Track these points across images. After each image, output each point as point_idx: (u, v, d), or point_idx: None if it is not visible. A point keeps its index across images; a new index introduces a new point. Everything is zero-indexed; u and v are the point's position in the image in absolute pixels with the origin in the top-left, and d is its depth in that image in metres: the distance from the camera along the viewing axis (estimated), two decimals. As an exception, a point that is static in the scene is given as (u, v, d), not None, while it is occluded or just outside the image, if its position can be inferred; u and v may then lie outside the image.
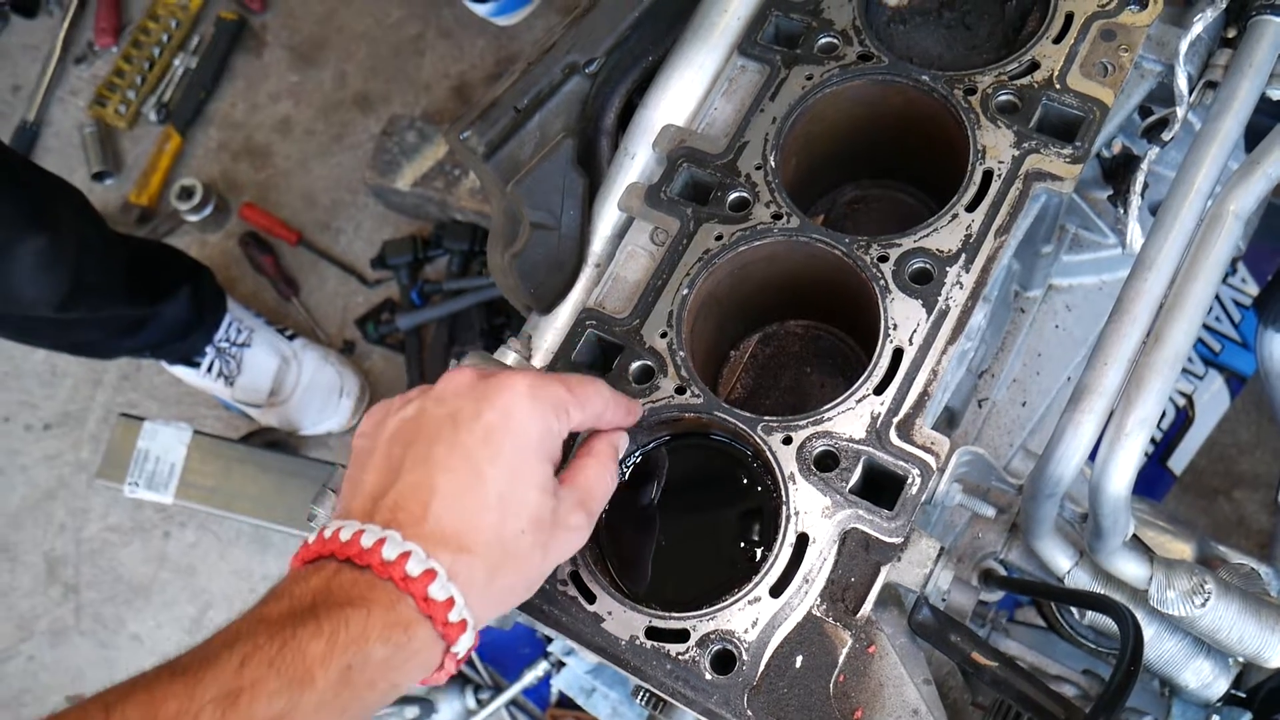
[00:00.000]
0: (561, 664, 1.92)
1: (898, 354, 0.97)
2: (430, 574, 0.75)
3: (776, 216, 1.06)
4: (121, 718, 0.64)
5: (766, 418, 0.97)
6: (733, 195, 1.08)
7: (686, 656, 0.89)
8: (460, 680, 2.37)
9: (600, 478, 0.90)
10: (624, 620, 0.92)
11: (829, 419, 0.96)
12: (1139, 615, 1.11)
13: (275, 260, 2.86)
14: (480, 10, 2.85)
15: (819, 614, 0.90)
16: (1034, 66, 1.06)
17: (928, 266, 1.00)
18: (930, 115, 1.09)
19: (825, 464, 0.95)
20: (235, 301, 2.63)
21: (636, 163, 1.16)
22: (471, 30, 2.99)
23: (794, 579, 0.91)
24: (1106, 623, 1.24)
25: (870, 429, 0.95)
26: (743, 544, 0.99)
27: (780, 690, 0.87)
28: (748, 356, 1.18)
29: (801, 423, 0.96)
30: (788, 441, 0.96)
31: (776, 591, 0.91)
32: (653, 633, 0.91)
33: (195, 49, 3.13)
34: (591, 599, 0.93)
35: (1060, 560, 1.15)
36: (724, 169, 1.09)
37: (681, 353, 1.01)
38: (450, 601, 0.76)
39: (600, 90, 1.19)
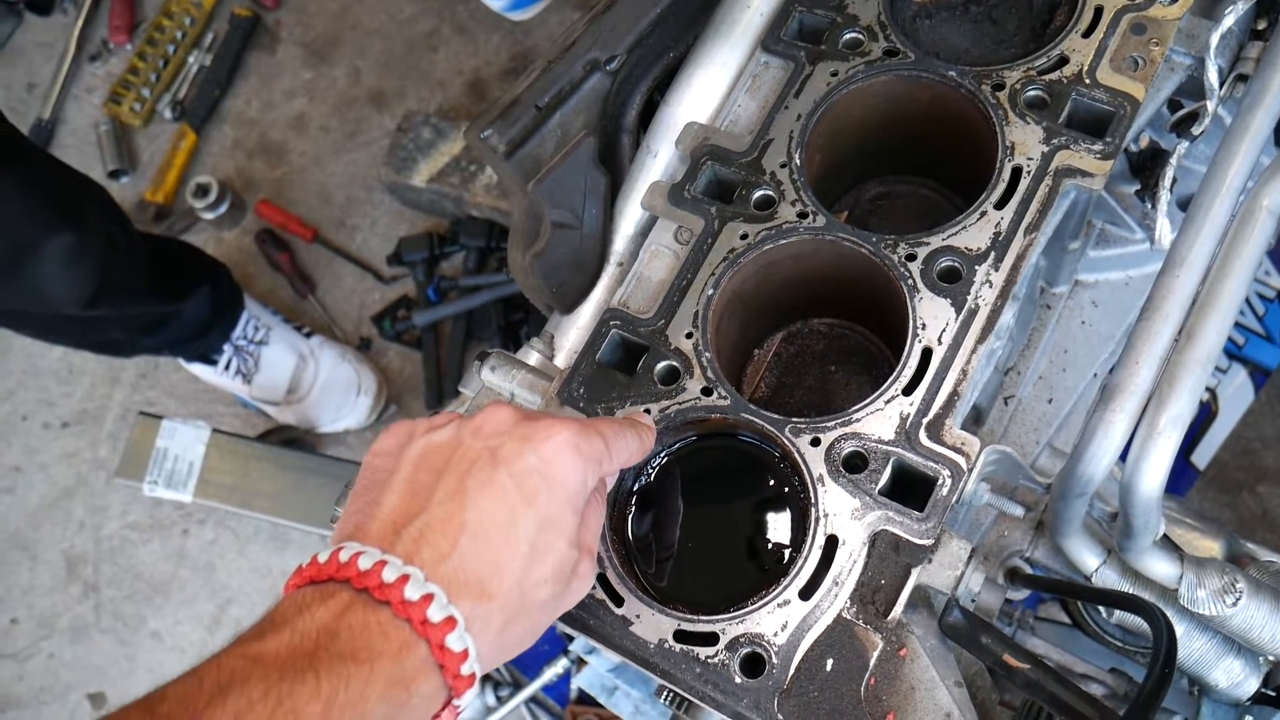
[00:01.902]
0: (582, 662, 1.92)
1: (926, 354, 0.96)
2: (451, 622, 0.72)
3: (802, 215, 1.05)
4: None
5: (794, 419, 0.96)
6: (758, 194, 1.07)
7: (716, 660, 0.89)
8: (481, 677, 2.37)
9: (597, 515, 0.88)
10: (652, 623, 0.91)
11: (858, 420, 0.95)
12: (1168, 613, 1.10)
13: (291, 257, 2.86)
14: (494, 5, 2.83)
15: (849, 616, 0.89)
16: (1063, 61, 1.05)
17: (957, 265, 0.99)
18: (957, 111, 1.08)
19: (854, 465, 0.94)
20: (252, 299, 2.63)
21: (659, 161, 1.15)
22: (486, 25, 2.98)
23: (824, 581, 0.90)
24: (1134, 621, 1.23)
25: (899, 430, 0.94)
26: (771, 545, 0.98)
27: (810, 694, 0.87)
28: (772, 355, 1.17)
29: (830, 424, 0.95)
30: (816, 443, 0.95)
31: (806, 594, 0.90)
32: (681, 635, 0.91)
33: (209, 46, 3.13)
34: (620, 602, 0.93)
35: (1088, 559, 1.14)
36: (748, 167, 1.08)
37: (707, 354, 1.01)
38: (465, 654, 0.72)
39: (622, 87, 1.18)
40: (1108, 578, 1.14)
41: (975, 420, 1.30)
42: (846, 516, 0.92)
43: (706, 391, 0.99)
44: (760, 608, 0.90)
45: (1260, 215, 1.00)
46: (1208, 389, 2.27)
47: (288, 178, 2.99)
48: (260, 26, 3.14)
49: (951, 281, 0.99)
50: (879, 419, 0.95)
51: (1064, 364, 1.34)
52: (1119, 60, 1.04)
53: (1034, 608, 1.55)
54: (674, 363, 1.01)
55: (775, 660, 0.88)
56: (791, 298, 1.13)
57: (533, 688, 2.18)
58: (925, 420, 0.94)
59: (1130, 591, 1.13)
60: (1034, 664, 0.90)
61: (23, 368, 2.89)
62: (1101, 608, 1.27)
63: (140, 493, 2.55)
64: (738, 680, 0.88)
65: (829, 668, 0.87)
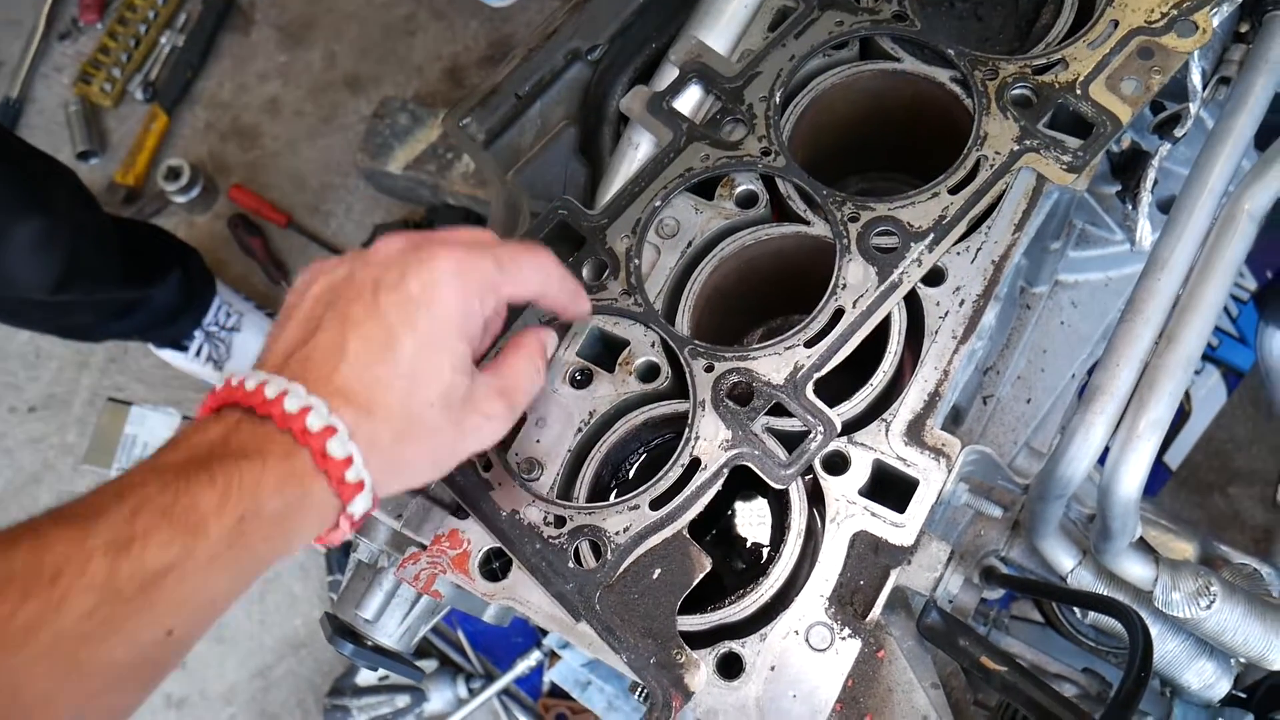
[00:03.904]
0: (556, 656, 1.91)
1: (838, 314, 0.97)
2: (330, 430, 0.74)
3: (765, 152, 1.05)
4: (7, 563, 0.63)
5: (696, 342, 0.98)
6: (729, 121, 1.07)
7: (557, 541, 0.92)
8: (452, 669, 2.35)
9: (525, 371, 0.89)
10: (511, 495, 0.94)
11: (754, 358, 0.97)
12: (1142, 615, 1.10)
13: (264, 243, 2.83)
14: (474, -9, 2.82)
15: (693, 543, 0.91)
16: (1062, 65, 1.04)
17: (893, 236, 0.99)
18: (940, 108, 1.07)
19: (739, 397, 0.96)
20: (224, 285, 2.60)
21: (640, 153, 1.14)
22: (464, 11, 2.95)
23: (676, 498, 0.92)
24: (1108, 621, 1.24)
25: (789, 378, 0.95)
26: (750, 544, 0.99)
27: (632, 595, 0.90)
28: (751, 351, 1.16)
29: (727, 355, 0.97)
30: (709, 369, 0.97)
31: (657, 505, 0.92)
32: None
33: (182, 27, 3.08)
34: (488, 467, 0.95)
35: (1064, 560, 1.14)
36: (730, 94, 1.08)
37: (636, 260, 1.02)
38: (349, 460, 0.75)
39: (603, 77, 1.16)
40: (1083, 578, 1.14)
41: (954, 420, 1.29)
42: (715, 444, 0.93)
43: (626, 294, 1.01)
44: (611, 506, 0.93)
45: (1241, 219, 1.00)
46: (1180, 389, 2.28)
47: (261, 162, 2.95)
48: (234, 7, 3.10)
49: (883, 252, 0.99)
50: (774, 362, 0.96)
51: (1043, 364, 1.34)
52: (1116, 78, 1.03)
53: (1007, 607, 1.55)
54: (604, 260, 1.02)
55: (610, 556, 0.91)
56: (773, 292, 1.12)
57: (505, 680, 2.17)
58: (909, 420, 0.93)
59: (1105, 593, 1.13)
60: (1011, 667, 0.89)
61: (-12, 351, 2.84)
62: (1076, 608, 1.28)
63: (108, 479, 2.51)
64: (570, 565, 0.91)
65: (655, 576, 0.90)
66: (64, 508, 0.68)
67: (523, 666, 2.17)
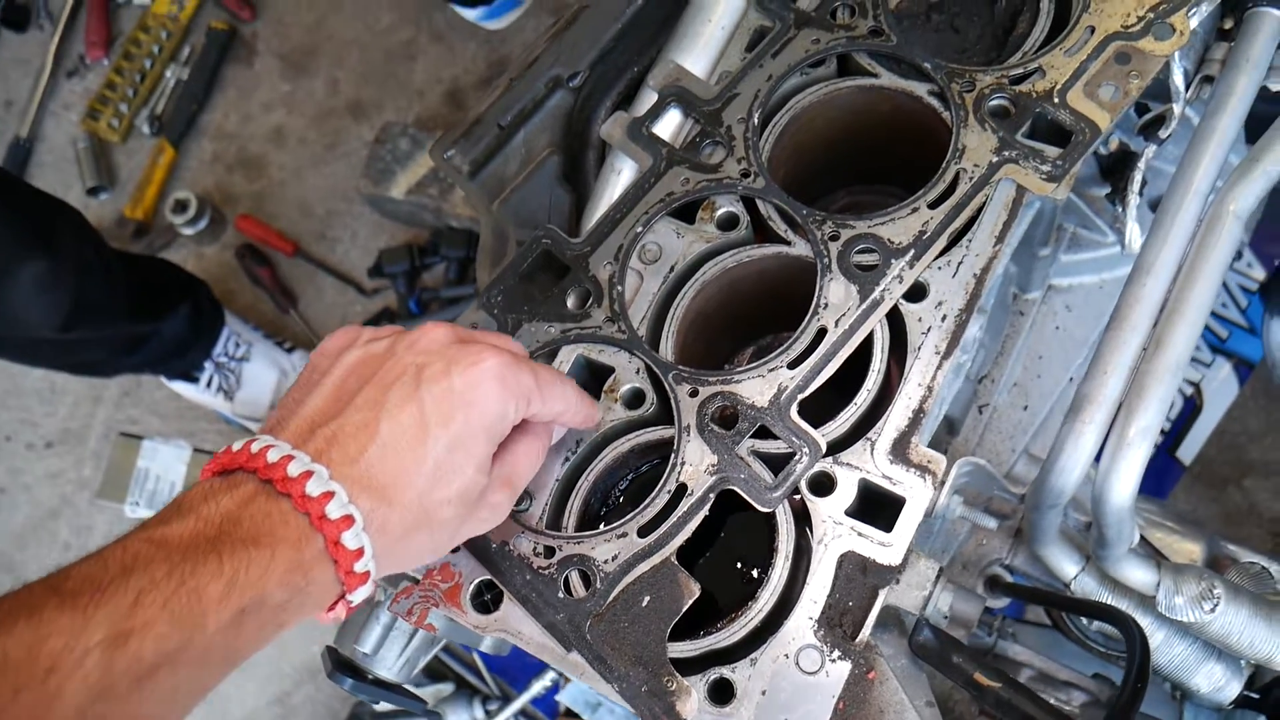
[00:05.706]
0: (568, 678, 1.90)
1: (820, 334, 0.97)
2: (348, 520, 0.74)
3: (745, 174, 1.05)
4: (1, 652, 0.60)
5: (680, 367, 0.98)
6: (708, 144, 1.07)
7: (547, 571, 0.92)
8: (469, 691, 2.36)
9: (529, 456, 0.89)
10: (501, 526, 0.93)
11: (737, 381, 0.96)
12: (1148, 619, 1.09)
13: (272, 272, 2.85)
14: (469, 15, 2.83)
15: (673, 563, 0.92)
16: (1038, 73, 1.03)
17: (874, 254, 0.99)
18: (919, 121, 1.07)
19: (724, 421, 0.96)
20: (233, 315, 2.62)
21: (623, 178, 1.14)
22: (462, 34, 2.97)
23: (663, 525, 0.92)
24: (1116, 627, 1.23)
25: (774, 400, 0.95)
26: (741, 567, 0.98)
27: (621, 624, 0.90)
28: (742, 370, 1.16)
29: (711, 379, 0.97)
30: (694, 394, 0.97)
31: (644, 533, 0.92)
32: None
33: (186, 60, 3.11)
34: None
35: (1066, 566, 1.13)
36: (709, 116, 1.08)
37: (619, 287, 1.02)
38: (360, 552, 0.75)
39: (585, 104, 1.17)
40: (1086, 585, 1.13)
41: (949, 430, 1.29)
42: (701, 469, 0.94)
43: (610, 320, 1.01)
44: (599, 535, 0.93)
45: (1227, 220, 0.99)
46: (1192, 383, 2.26)
47: (267, 191, 2.98)
48: (237, 39, 3.12)
49: (864, 269, 0.99)
50: (758, 384, 0.96)
51: (1039, 370, 1.33)
52: (1094, 85, 1.02)
53: (1020, 614, 1.54)
54: (588, 289, 1.03)
55: (599, 585, 0.91)
56: (758, 313, 1.12)
57: (521, 701, 2.17)
58: (893, 438, 0.93)
59: (1109, 599, 1.12)
60: (1006, 682, 0.89)
61: (5, 388, 2.88)
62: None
63: (123, 513, 2.53)
64: (560, 595, 0.91)
65: (644, 604, 0.90)
66: (65, 580, 0.66)
67: (538, 687, 2.17)
